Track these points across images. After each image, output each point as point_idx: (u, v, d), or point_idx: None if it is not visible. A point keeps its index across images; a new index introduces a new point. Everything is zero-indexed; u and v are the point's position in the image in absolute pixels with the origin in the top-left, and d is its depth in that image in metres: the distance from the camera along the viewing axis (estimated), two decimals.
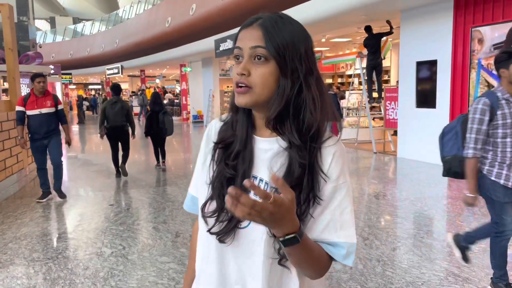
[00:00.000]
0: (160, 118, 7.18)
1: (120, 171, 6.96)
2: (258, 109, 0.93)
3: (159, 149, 7.59)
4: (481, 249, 3.54)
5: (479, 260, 3.33)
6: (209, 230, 0.94)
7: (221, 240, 0.93)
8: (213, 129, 1.03)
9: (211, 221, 0.94)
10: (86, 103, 26.29)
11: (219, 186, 0.93)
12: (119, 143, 6.85)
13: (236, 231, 0.92)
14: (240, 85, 0.88)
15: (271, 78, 0.87)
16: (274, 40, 0.86)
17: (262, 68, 0.87)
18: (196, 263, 1.04)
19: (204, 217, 0.96)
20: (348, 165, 0.94)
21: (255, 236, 0.91)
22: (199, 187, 1.03)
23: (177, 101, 24.68)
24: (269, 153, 0.93)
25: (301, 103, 0.89)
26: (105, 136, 6.82)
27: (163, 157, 7.69)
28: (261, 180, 0.93)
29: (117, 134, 6.73)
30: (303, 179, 0.87)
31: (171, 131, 7.33)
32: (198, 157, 1.06)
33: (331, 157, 0.90)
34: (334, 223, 0.89)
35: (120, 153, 6.96)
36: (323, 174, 0.89)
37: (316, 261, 0.87)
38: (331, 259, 0.91)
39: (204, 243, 0.99)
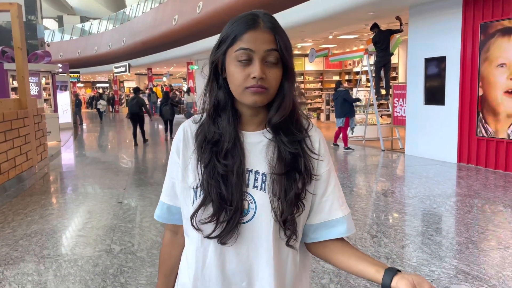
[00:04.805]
0: (162, 107, 12.20)
1: (137, 142, 11.01)
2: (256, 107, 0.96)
3: (168, 126, 12.22)
4: (491, 247, 3.51)
5: (489, 258, 3.30)
6: (209, 236, 0.93)
7: (222, 242, 0.93)
8: (189, 132, 1.01)
9: (209, 226, 0.93)
10: (102, 102, 22.45)
11: (215, 185, 0.92)
12: (137, 124, 11.05)
13: (240, 228, 0.93)
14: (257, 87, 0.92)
15: (279, 79, 0.94)
16: (284, 43, 0.92)
17: (275, 70, 0.92)
18: (186, 274, 1.01)
19: (197, 224, 0.94)
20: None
21: (262, 226, 0.93)
22: (179, 194, 1.01)
23: (183, 99, 24.40)
24: (259, 146, 0.98)
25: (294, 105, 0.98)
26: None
27: (170, 132, 12.19)
28: (257, 172, 0.96)
29: (134, 118, 10.94)
30: (296, 163, 0.95)
31: (167, 116, 12.07)
32: (172, 164, 1.03)
33: (318, 141, 1.01)
34: (337, 201, 1.01)
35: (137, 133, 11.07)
36: (317, 155, 0.99)
37: None
38: None
39: (197, 250, 0.97)
